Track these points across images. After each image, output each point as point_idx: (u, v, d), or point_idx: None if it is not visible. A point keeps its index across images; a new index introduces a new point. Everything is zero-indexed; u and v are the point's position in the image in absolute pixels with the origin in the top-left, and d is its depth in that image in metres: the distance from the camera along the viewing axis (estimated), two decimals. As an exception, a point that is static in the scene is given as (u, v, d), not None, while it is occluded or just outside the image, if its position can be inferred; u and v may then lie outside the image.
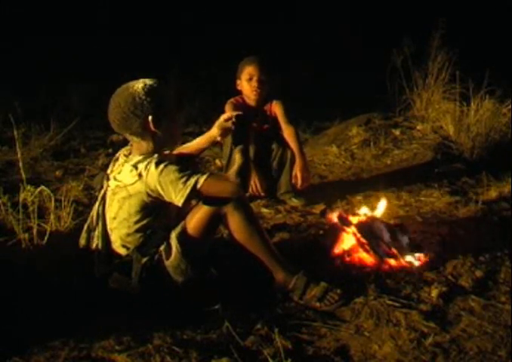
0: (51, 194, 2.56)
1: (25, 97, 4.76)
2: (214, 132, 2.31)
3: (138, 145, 2.11)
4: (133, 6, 6.99)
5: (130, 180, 2.04)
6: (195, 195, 1.98)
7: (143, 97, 2.03)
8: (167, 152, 2.27)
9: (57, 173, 3.66)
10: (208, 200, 2.05)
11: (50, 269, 2.23)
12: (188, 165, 2.13)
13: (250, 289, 2.18)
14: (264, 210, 3.06)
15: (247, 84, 3.12)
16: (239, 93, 3.20)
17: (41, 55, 5.84)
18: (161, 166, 1.99)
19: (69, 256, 2.29)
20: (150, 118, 2.04)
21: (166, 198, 2.01)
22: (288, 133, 3.15)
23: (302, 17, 7.47)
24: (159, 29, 6.79)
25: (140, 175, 2.02)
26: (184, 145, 2.43)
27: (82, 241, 2.22)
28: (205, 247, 2.15)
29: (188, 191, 1.95)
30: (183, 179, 1.97)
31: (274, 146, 3.18)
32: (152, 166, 2.00)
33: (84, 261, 2.19)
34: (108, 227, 2.16)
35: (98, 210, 2.18)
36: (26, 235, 2.45)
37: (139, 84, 2.06)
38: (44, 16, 6.46)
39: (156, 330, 1.91)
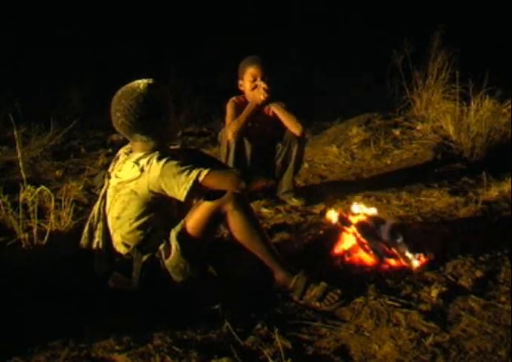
0: (51, 194, 2.56)
1: (25, 97, 4.76)
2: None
3: (141, 144, 2.11)
4: (132, 7, 7.00)
5: (131, 176, 2.05)
6: (197, 189, 1.98)
7: (153, 96, 2.06)
8: (174, 147, 2.29)
9: (57, 173, 3.66)
10: (209, 195, 2.05)
11: (50, 269, 2.23)
12: (190, 160, 2.13)
13: (250, 289, 2.18)
14: (264, 210, 3.06)
15: (250, 84, 3.10)
16: (241, 92, 3.19)
17: (42, 55, 5.84)
18: (164, 160, 2.00)
19: (69, 256, 2.29)
20: (162, 115, 2.08)
21: (169, 193, 2.01)
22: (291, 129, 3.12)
23: (301, 17, 7.47)
24: (158, 29, 6.79)
25: (142, 170, 2.02)
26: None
27: (84, 241, 2.21)
28: (204, 247, 2.14)
29: (191, 183, 1.95)
30: (186, 172, 1.97)
31: (280, 145, 3.17)
32: (155, 161, 2.01)
33: (84, 261, 2.19)
34: (110, 226, 2.16)
35: (99, 209, 2.19)
36: (26, 235, 2.45)
37: (142, 85, 2.07)
38: (45, 16, 6.46)
39: (156, 330, 1.90)
